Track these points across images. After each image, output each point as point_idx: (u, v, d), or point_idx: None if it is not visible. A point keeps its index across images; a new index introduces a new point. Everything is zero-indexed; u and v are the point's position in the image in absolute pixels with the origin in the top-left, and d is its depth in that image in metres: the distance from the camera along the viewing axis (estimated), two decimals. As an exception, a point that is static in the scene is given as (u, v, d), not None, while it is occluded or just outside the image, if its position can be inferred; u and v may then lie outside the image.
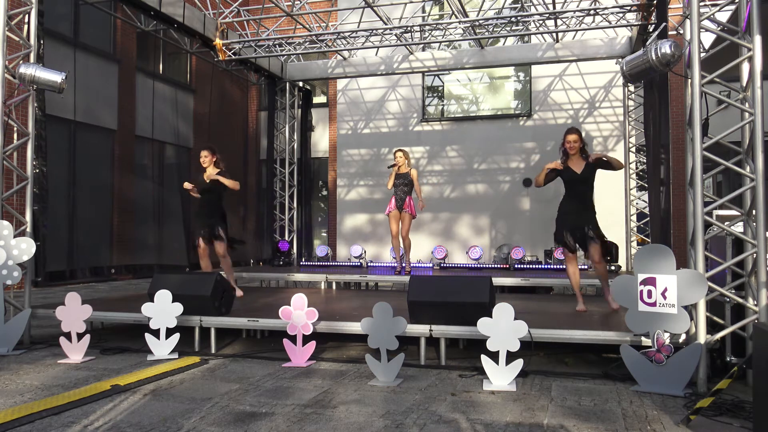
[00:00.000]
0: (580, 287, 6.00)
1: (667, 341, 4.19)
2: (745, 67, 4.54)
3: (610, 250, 5.86)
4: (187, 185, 7.07)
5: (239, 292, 7.23)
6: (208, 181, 7.01)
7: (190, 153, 14.36)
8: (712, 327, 4.50)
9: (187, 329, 5.53)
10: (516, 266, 9.75)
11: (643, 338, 4.42)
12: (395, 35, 9.60)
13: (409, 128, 13.40)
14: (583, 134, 11.67)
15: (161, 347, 5.24)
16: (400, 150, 8.33)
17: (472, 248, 10.77)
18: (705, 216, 4.42)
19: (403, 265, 8.68)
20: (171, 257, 12.92)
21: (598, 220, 5.84)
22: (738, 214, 4.65)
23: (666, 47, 4.65)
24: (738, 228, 4.62)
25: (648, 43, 5.36)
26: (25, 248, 5.62)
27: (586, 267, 9.95)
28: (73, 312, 5.19)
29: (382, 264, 11.03)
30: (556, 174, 5.91)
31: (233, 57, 10.03)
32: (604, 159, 5.77)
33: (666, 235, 6.55)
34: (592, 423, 3.47)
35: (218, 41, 9.78)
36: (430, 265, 10.64)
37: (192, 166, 14.10)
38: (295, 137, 12.47)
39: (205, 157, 7.04)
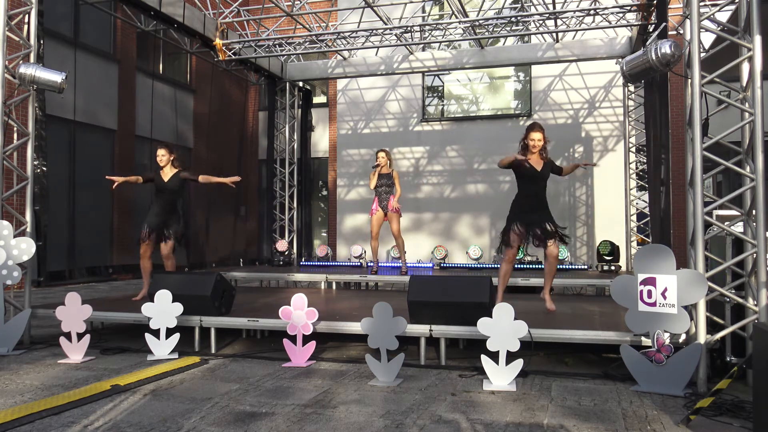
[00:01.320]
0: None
1: (667, 341, 4.19)
2: (745, 67, 4.54)
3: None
4: (116, 179, 6.75)
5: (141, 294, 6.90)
6: (167, 180, 6.78)
7: (190, 153, 14.38)
8: (712, 327, 4.50)
9: (187, 329, 5.53)
10: (516, 266, 9.74)
11: (643, 338, 4.42)
12: (395, 35, 9.60)
13: (409, 128, 13.40)
14: (583, 134, 11.65)
15: (161, 347, 5.24)
16: (382, 150, 8.37)
17: (472, 248, 10.77)
18: (705, 216, 4.42)
19: (380, 264, 8.68)
20: (171, 257, 12.91)
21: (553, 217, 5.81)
22: (738, 214, 4.65)
23: (666, 47, 4.65)
24: (738, 228, 4.62)
25: (648, 43, 5.36)
26: (25, 248, 5.62)
27: (586, 267, 9.96)
28: (73, 312, 5.18)
29: (382, 264, 11.02)
30: (517, 165, 5.79)
31: (233, 57, 10.03)
32: (558, 167, 5.88)
33: (666, 235, 6.55)
34: (592, 423, 3.47)
35: (218, 41, 9.79)
36: (430, 265, 10.64)
37: (192, 166, 14.13)
38: (295, 137, 12.47)
39: (163, 156, 6.78)
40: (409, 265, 8.90)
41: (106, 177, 6.99)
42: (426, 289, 5.12)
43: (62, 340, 5.18)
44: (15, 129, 6.16)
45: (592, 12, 8.50)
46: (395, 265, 10.06)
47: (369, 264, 8.87)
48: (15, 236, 5.64)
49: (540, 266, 9.84)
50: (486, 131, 12.92)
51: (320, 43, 10.07)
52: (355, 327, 5.07)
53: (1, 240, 5.55)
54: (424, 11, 10.74)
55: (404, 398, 3.98)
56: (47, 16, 7.09)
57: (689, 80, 4.54)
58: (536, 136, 5.74)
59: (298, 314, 5.05)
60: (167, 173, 6.81)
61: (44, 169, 6.56)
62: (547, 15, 8.73)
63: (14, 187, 6.13)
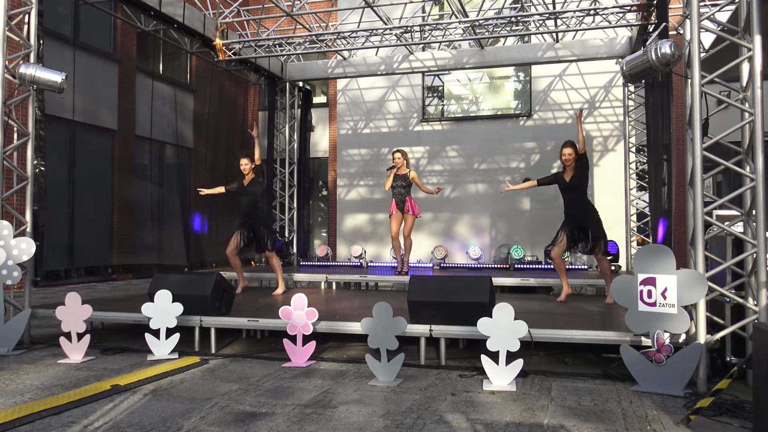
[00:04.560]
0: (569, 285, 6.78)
1: (667, 341, 4.19)
2: (745, 67, 4.54)
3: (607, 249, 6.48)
4: (202, 191, 7.81)
5: (280, 290, 7.62)
6: (246, 184, 7.42)
7: (190, 153, 14.38)
8: (712, 327, 4.50)
9: (187, 329, 5.53)
10: (516, 266, 9.75)
11: (643, 338, 4.42)
12: (395, 35, 9.60)
13: (409, 128, 13.40)
14: (584, 134, 11.77)
15: (161, 347, 5.24)
16: (399, 150, 8.29)
17: (472, 248, 10.77)
18: (705, 216, 4.42)
19: (380, 264, 8.70)
20: (171, 257, 12.93)
21: (601, 217, 6.34)
22: (738, 214, 4.65)
23: (666, 47, 4.66)
24: (738, 228, 4.62)
25: (648, 43, 5.36)
26: (25, 248, 5.62)
27: (586, 267, 9.96)
28: (73, 312, 5.18)
29: (382, 264, 11.03)
30: (554, 180, 6.54)
31: (233, 57, 10.03)
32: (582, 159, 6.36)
33: (666, 235, 6.55)
34: (592, 423, 3.47)
35: (218, 41, 9.78)
36: (430, 265, 10.64)
37: (192, 166, 14.14)
38: (295, 137, 12.47)
39: (246, 165, 7.39)
40: (409, 264, 8.89)
41: (198, 189, 7.95)
42: (426, 289, 5.12)
43: (62, 340, 5.18)
44: (15, 129, 6.16)
45: (592, 12, 8.50)
46: (395, 265, 10.05)
47: (397, 263, 8.87)
48: (15, 236, 5.64)
49: (541, 266, 9.85)
50: (486, 131, 12.91)
51: (320, 43, 10.06)
52: (355, 327, 5.08)
53: (1, 240, 5.54)
54: (424, 11, 10.73)
55: (404, 398, 3.98)
56: (47, 16, 7.08)
57: (689, 80, 4.54)
58: (567, 151, 6.34)
59: (298, 314, 5.05)
60: (248, 180, 7.47)
61: (42, 168, 6.56)
62: (547, 15, 8.73)
63: (14, 187, 6.13)
